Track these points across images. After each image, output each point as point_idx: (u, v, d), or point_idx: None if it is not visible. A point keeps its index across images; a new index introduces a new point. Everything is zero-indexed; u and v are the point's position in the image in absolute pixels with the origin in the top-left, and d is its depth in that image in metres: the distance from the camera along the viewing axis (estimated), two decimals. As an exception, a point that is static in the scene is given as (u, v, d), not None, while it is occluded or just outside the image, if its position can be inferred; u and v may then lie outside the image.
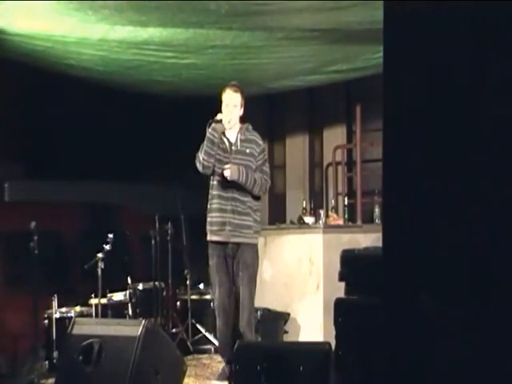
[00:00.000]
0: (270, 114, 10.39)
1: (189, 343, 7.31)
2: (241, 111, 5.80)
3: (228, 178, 5.60)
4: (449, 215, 2.52)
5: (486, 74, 2.44)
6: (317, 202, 9.41)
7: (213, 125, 5.64)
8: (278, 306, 7.80)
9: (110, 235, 6.81)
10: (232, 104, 5.73)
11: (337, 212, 8.64)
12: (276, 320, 7.72)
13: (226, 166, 5.62)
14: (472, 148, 2.46)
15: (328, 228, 7.81)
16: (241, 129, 5.81)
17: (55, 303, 6.62)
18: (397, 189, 2.70)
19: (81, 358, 4.77)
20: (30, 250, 6.26)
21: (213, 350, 7.33)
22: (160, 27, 6.35)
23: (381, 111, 2.73)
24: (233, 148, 5.75)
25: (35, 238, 6.26)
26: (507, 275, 2.37)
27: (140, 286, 7.37)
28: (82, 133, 9.00)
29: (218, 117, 5.68)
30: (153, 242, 7.54)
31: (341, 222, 8.21)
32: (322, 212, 8.14)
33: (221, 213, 5.68)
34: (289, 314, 7.76)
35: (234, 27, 6.37)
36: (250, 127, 5.89)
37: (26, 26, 6.35)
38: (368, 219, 8.43)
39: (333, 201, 8.98)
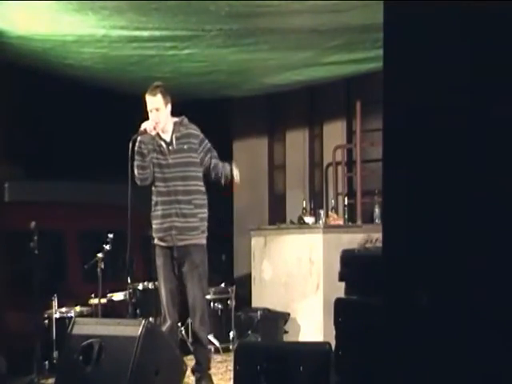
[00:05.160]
0: (270, 114, 10.39)
1: (189, 343, 7.30)
2: (167, 110, 5.63)
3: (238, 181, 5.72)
4: (449, 215, 2.52)
5: (487, 74, 2.44)
6: (317, 201, 9.42)
7: (139, 138, 5.53)
8: (278, 306, 7.81)
9: (110, 235, 6.81)
10: (154, 108, 5.58)
11: (337, 212, 8.64)
12: (276, 320, 7.73)
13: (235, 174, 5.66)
14: (473, 148, 2.46)
15: (328, 228, 7.82)
16: (175, 125, 5.66)
17: (55, 303, 6.62)
18: (397, 188, 2.70)
19: (81, 358, 4.77)
20: (30, 249, 6.26)
21: (213, 349, 7.33)
22: (160, 29, 6.34)
23: (381, 111, 2.73)
24: (170, 148, 5.61)
25: (35, 238, 6.26)
26: (508, 275, 2.37)
27: (140, 286, 7.36)
28: (82, 134, 9.02)
29: (142, 128, 5.55)
30: (153, 242, 7.54)
31: (341, 222, 8.21)
32: (322, 212, 8.15)
33: (165, 218, 5.61)
34: (289, 314, 7.77)
35: (235, 29, 6.35)
36: (186, 120, 5.73)
37: (26, 27, 6.35)
38: (368, 219, 8.44)
39: (333, 201, 8.98)
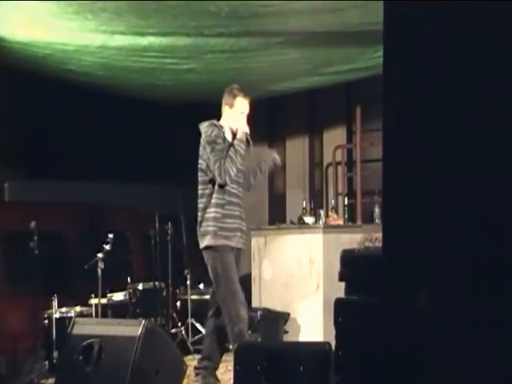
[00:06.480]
0: (271, 114, 10.38)
1: (189, 343, 7.31)
2: None
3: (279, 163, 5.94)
4: (449, 215, 2.52)
5: (487, 74, 2.44)
6: (317, 201, 9.41)
7: (242, 138, 5.65)
8: (278, 306, 7.80)
9: (110, 235, 6.81)
10: (246, 113, 5.72)
11: (337, 212, 8.64)
12: (276, 320, 7.72)
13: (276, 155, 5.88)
14: (474, 147, 2.46)
15: (328, 228, 7.82)
16: None
17: (55, 303, 6.62)
18: (397, 189, 2.70)
19: (81, 357, 4.77)
20: (30, 249, 6.27)
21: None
22: (159, 34, 6.35)
23: (381, 111, 2.73)
24: None
25: (35, 238, 6.26)
26: (509, 276, 2.37)
27: (140, 286, 7.37)
28: (82, 134, 9.01)
29: (245, 130, 5.68)
30: (153, 242, 7.55)
31: (341, 222, 8.21)
32: (322, 212, 8.15)
33: (234, 219, 5.65)
34: (289, 314, 7.77)
35: (234, 31, 6.35)
36: None
37: (26, 34, 6.36)
38: (368, 219, 8.44)
39: (333, 201, 8.98)
